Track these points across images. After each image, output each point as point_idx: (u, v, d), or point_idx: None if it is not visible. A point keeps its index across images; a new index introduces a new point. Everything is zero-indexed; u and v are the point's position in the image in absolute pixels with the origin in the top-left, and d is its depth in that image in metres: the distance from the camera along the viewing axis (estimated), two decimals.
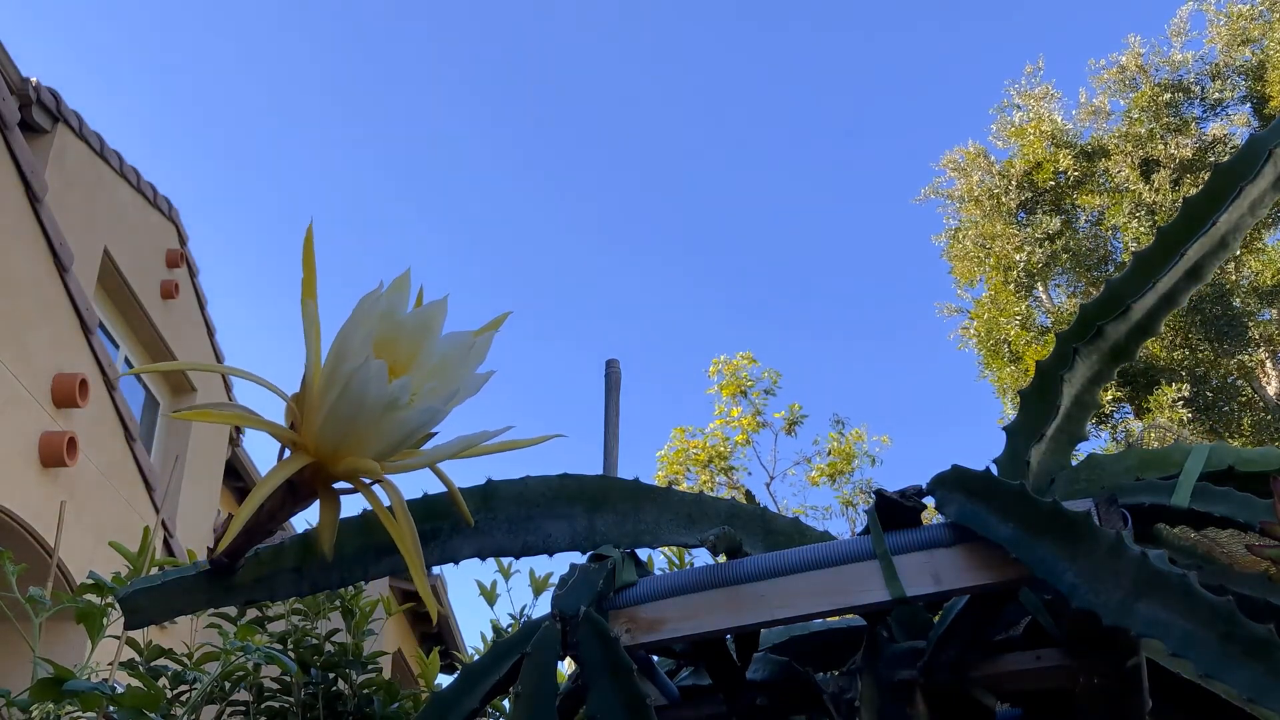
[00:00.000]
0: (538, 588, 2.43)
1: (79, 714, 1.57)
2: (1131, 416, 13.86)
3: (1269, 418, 13.34)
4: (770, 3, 28.50)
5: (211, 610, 1.79)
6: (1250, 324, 13.70)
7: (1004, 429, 1.53)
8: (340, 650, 1.97)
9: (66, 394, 5.66)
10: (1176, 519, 1.31)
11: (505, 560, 2.40)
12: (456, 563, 1.33)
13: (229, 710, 1.91)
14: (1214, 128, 14.69)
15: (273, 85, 32.76)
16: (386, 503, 1.19)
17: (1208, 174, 1.56)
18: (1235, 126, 14.56)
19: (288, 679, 1.92)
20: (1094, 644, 1.15)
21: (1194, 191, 1.54)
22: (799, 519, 1.52)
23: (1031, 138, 15.22)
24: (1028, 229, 14.86)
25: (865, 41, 27.54)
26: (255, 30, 31.18)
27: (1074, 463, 1.51)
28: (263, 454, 11.01)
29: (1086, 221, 15.25)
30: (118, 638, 1.72)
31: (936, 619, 1.35)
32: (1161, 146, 14.36)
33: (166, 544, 6.46)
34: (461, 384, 1.16)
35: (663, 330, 29.11)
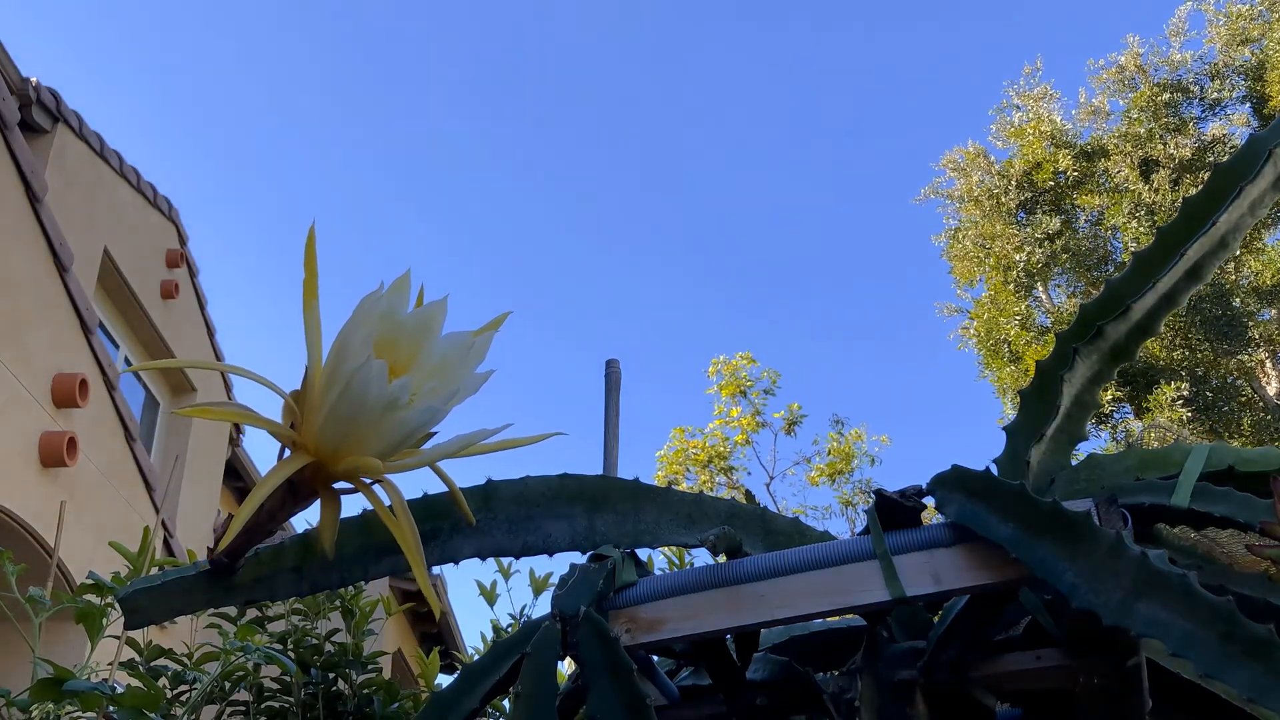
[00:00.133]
0: (538, 588, 2.43)
1: (79, 714, 1.57)
2: (1131, 416, 13.87)
3: (1269, 418, 13.34)
4: (770, 3, 28.50)
5: (211, 610, 1.79)
6: (1250, 324, 13.70)
7: (1004, 429, 1.53)
8: (340, 650, 1.97)
9: (66, 394, 5.66)
10: (1176, 519, 1.31)
11: (505, 560, 2.40)
12: (456, 563, 1.33)
13: (229, 710, 1.91)
14: (1213, 128, 14.69)
15: (273, 85, 32.77)
16: (387, 502, 1.19)
17: (1207, 174, 1.56)
18: (1235, 126, 14.57)
19: (288, 679, 1.92)
20: (1094, 644, 1.15)
21: (1194, 191, 1.54)
22: (799, 519, 1.52)
23: (1031, 138, 15.22)
24: (1028, 229, 14.86)
25: (865, 41, 27.55)
26: (255, 30, 31.19)
27: (1074, 463, 1.51)
28: (263, 454, 11.02)
29: (1086, 221, 15.26)
30: (118, 638, 1.72)
31: (936, 619, 1.35)
32: (1161, 146, 14.36)
33: (166, 544, 6.46)
34: (461, 384, 1.16)
35: (663, 330, 29.12)
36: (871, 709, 1.23)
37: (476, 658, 1.44)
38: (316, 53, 32.46)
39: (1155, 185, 14.08)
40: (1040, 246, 14.58)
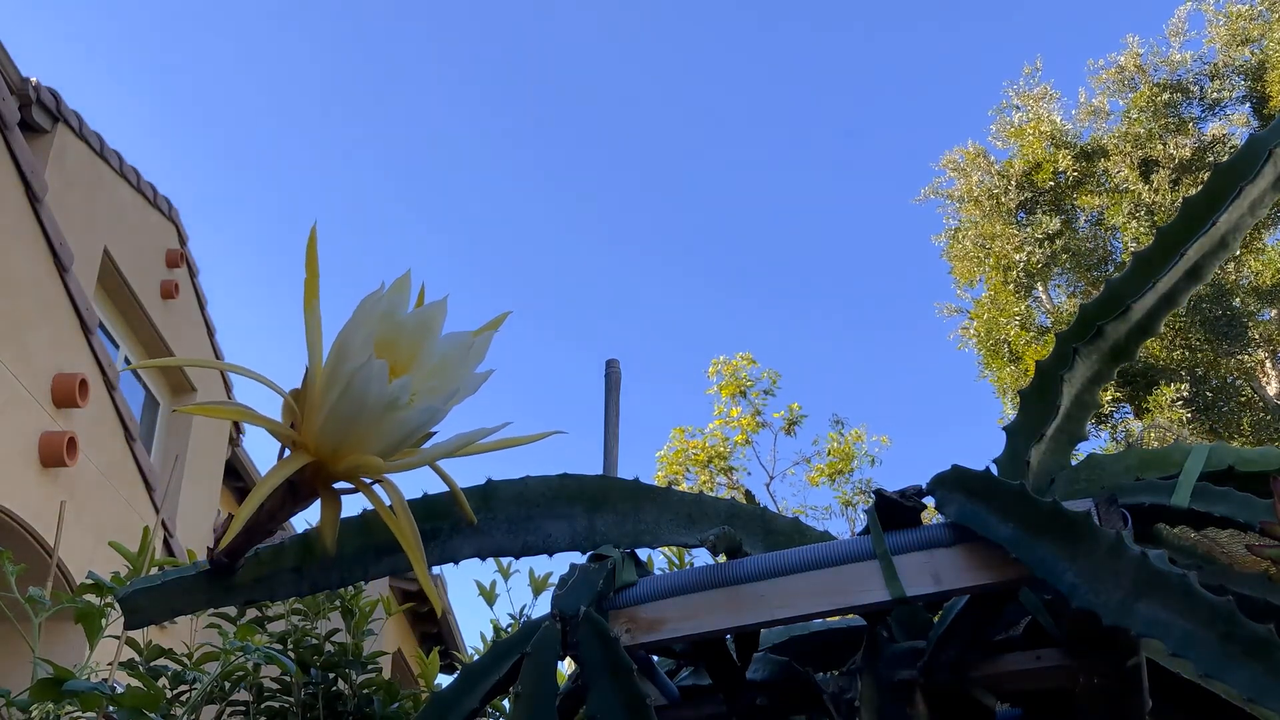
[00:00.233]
0: (537, 588, 2.43)
1: (79, 714, 1.57)
2: (1131, 416, 13.86)
3: (1269, 418, 13.33)
4: (770, 2, 28.51)
5: (211, 610, 1.79)
6: (1250, 324, 13.70)
7: (1004, 429, 1.53)
8: (340, 650, 1.97)
9: (66, 394, 5.66)
10: (1176, 519, 1.31)
11: (505, 560, 2.40)
12: (456, 563, 1.33)
13: (229, 710, 1.91)
14: (1213, 128, 14.69)
15: (272, 85, 32.77)
16: (387, 502, 1.20)
17: (1207, 174, 1.56)
18: (1234, 126, 14.56)
19: (288, 679, 1.92)
20: (1094, 644, 1.15)
21: (1194, 191, 1.54)
22: (799, 519, 1.52)
23: (1031, 138, 15.22)
24: (1027, 229, 14.86)
25: (865, 41, 27.56)
26: (255, 30, 31.19)
27: (1074, 463, 1.51)
28: (263, 454, 11.02)
29: (1086, 221, 15.26)
30: (117, 638, 1.72)
31: (936, 619, 1.35)
32: (1160, 146, 14.36)
33: (166, 544, 6.46)
34: (461, 383, 1.16)
35: (663, 330, 29.13)
36: (871, 709, 1.23)
37: (476, 658, 1.44)
38: (316, 52, 32.48)
39: (1155, 185, 14.08)
40: (1040, 246, 14.57)
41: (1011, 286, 14.70)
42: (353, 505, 1.28)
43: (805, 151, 28.22)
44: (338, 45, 32.31)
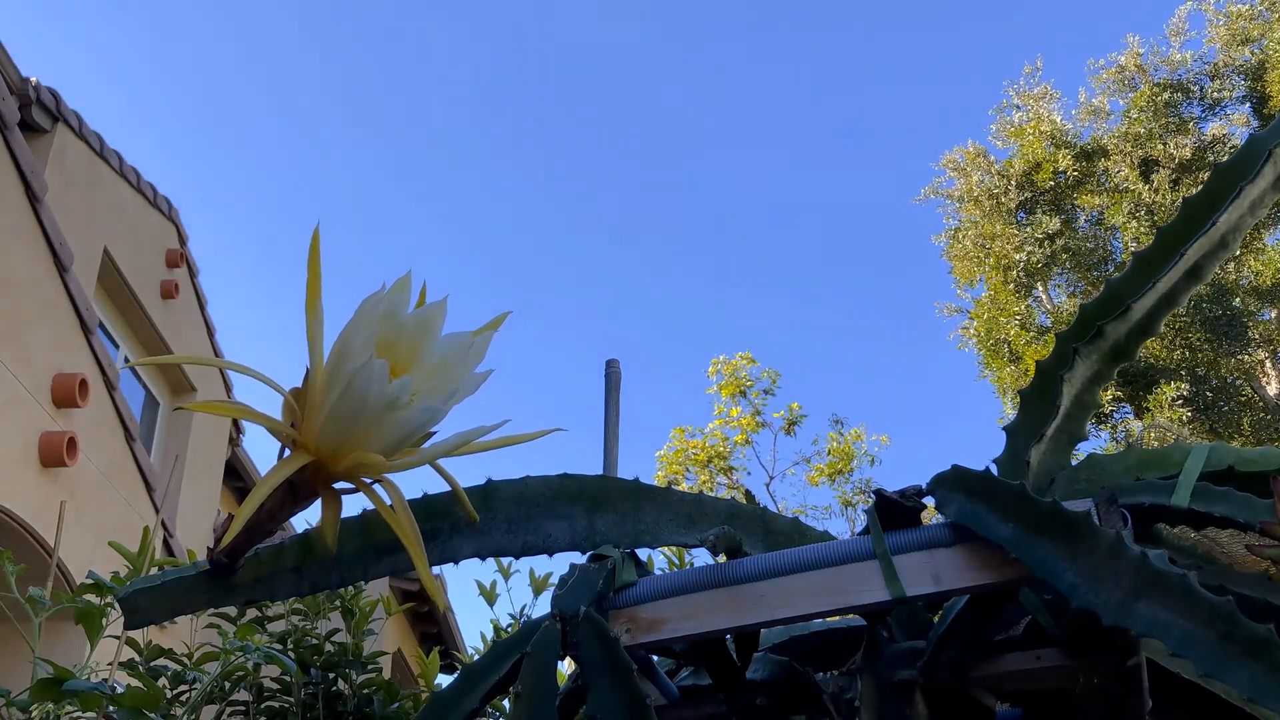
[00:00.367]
0: (538, 588, 2.43)
1: (79, 714, 1.57)
2: (1131, 416, 13.86)
3: (1269, 418, 13.33)
4: (770, 2, 28.51)
5: (211, 610, 1.79)
6: (1250, 324, 13.70)
7: (1004, 429, 1.53)
8: (340, 650, 1.97)
9: (66, 394, 5.66)
10: (1176, 519, 1.31)
11: (505, 560, 2.40)
12: (456, 563, 1.33)
13: (229, 710, 1.91)
14: (1213, 128, 14.69)
15: (273, 84, 32.78)
16: (387, 501, 1.20)
17: (1207, 174, 1.55)
18: (1234, 126, 14.57)
19: (288, 679, 1.92)
20: (1094, 644, 1.15)
21: (1194, 191, 1.54)
22: (799, 519, 1.52)
23: (1031, 138, 15.22)
24: (1027, 229, 14.86)
25: (865, 41, 27.56)
26: (255, 30, 31.19)
27: (1074, 463, 1.51)
28: (263, 454, 11.02)
29: (1086, 221, 15.26)
30: (117, 638, 1.72)
31: (936, 619, 1.35)
32: (1161, 146, 14.36)
33: (166, 544, 6.46)
34: (461, 383, 1.17)
35: (663, 330, 29.14)
36: (871, 709, 1.23)
37: (476, 658, 1.44)
38: (317, 51, 32.48)
39: (1155, 185, 14.08)
40: (1040, 246, 14.57)
41: (1011, 286, 14.70)
42: (352, 506, 1.29)
43: (805, 151, 28.23)
44: (338, 44, 32.32)
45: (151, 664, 1.88)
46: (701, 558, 2.25)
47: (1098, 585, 0.99)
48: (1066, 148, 15.06)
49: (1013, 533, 1.10)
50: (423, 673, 2.28)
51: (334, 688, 1.97)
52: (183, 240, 8.71)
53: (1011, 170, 15.23)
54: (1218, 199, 1.47)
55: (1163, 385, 12.99)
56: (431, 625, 9.80)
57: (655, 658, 1.49)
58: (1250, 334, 13.60)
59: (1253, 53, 14.72)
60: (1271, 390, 13.76)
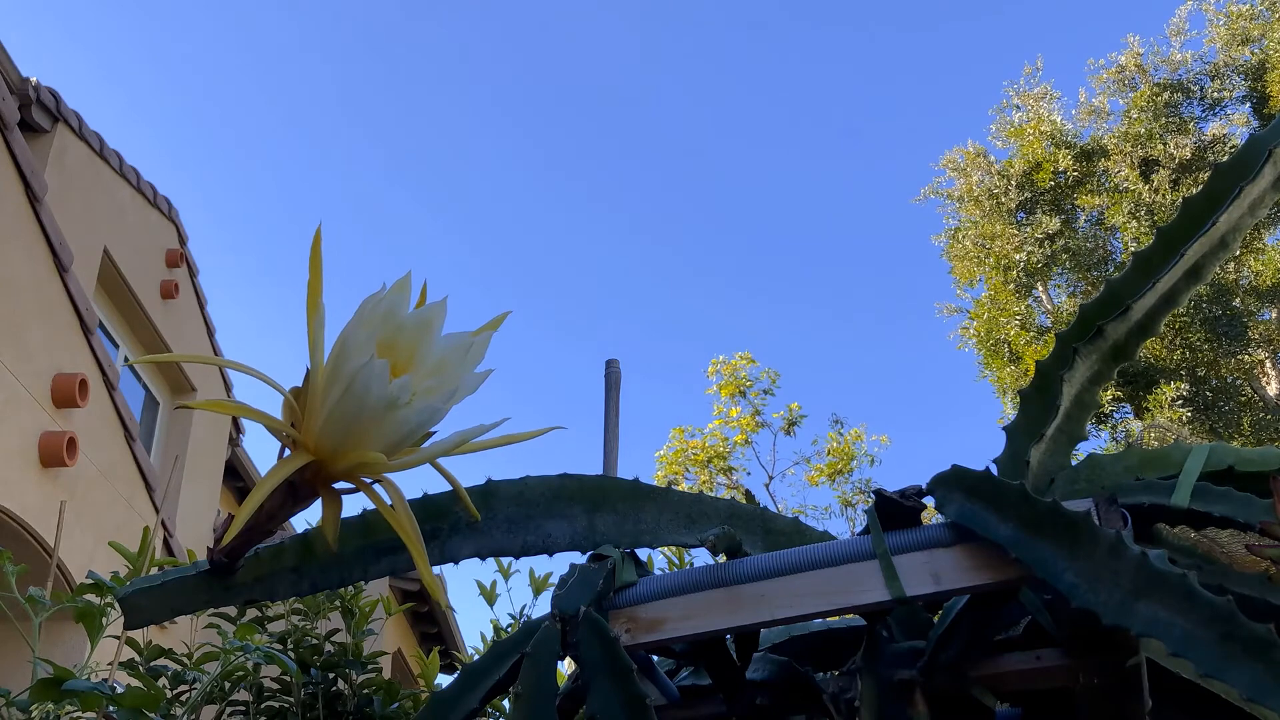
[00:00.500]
0: (538, 588, 2.43)
1: (79, 714, 1.57)
2: (1131, 416, 13.86)
3: (1269, 418, 13.33)
4: (769, 2, 28.51)
5: (211, 610, 1.79)
6: (1250, 324, 13.70)
7: (1004, 429, 1.53)
8: (340, 650, 1.97)
9: (66, 394, 5.66)
10: (1176, 519, 1.31)
11: (505, 560, 2.40)
12: (456, 563, 1.33)
13: (229, 710, 1.91)
14: (1213, 128, 14.69)
15: (273, 84, 32.77)
16: (387, 501, 1.20)
17: (1207, 174, 1.55)
18: (1235, 126, 14.56)
19: (288, 679, 1.92)
20: (1094, 644, 1.15)
21: (1194, 191, 1.54)
22: (799, 519, 1.52)
23: (1031, 138, 15.22)
24: (1027, 229, 14.85)
25: (866, 41, 27.57)
26: (255, 29, 31.19)
27: (1074, 463, 1.50)
28: (263, 454, 11.02)
29: (1086, 221, 15.25)
30: (117, 638, 1.72)
31: (936, 619, 1.35)
32: (1161, 146, 14.36)
33: (166, 544, 6.45)
34: (461, 383, 1.17)
35: (663, 329, 29.15)
36: (871, 709, 1.23)
37: (476, 658, 1.44)
38: (317, 49, 32.49)
39: (1155, 185, 14.07)
40: (1040, 246, 14.57)
41: (1011, 286, 14.69)
42: (353, 506, 1.29)
43: (805, 150, 28.24)
44: (337, 42, 32.33)
45: (151, 664, 1.88)
46: (701, 558, 2.26)
47: (1098, 585, 0.99)
48: (1066, 148, 15.05)
49: (1013, 533, 1.10)
50: (423, 673, 2.28)
51: (334, 688, 1.97)
52: (183, 240, 8.71)
53: (1011, 170, 15.22)
54: (1218, 199, 1.47)
55: (1163, 385, 12.99)
56: (431, 625, 9.80)
57: (655, 658, 1.49)
58: (1250, 334, 13.60)
59: (1253, 53, 14.72)
60: (1271, 390, 13.76)
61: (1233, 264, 13.56)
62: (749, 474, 16.40)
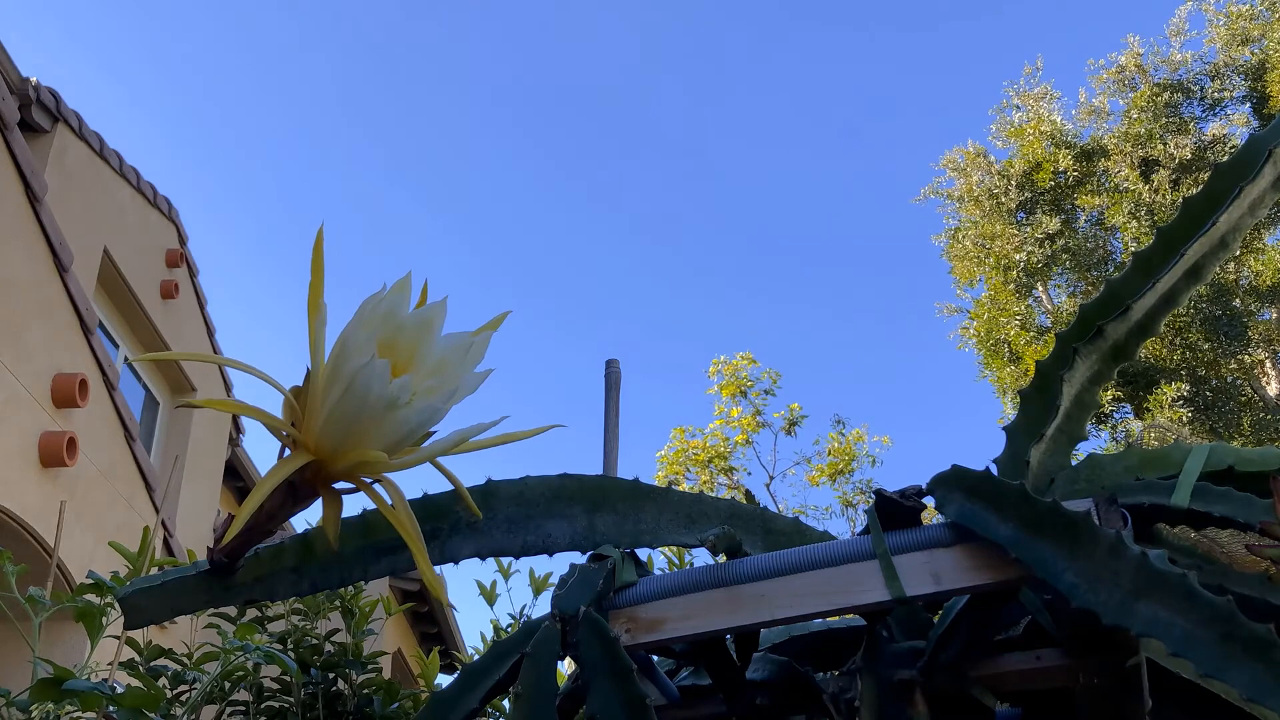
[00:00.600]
0: (538, 588, 2.43)
1: (79, 714, 1.57)
2: (1131, 416, 13.86)
3: (1269, 418, 13.33)
4: (771, 2, 28.52)
5: (211, 610, 1.79)
6: (1250, 324, 13.70)
7: (1004, 429, 1.53)
8: (340, 650, 1.97)
9: (66, 394, 5.66)
10: (1176, 519, 1.31)
11: (505, 560, 2.40)
12: (456, 562, 1.33)
13: (229, 710, 1.91)
14: (1213, 128, 14.69)
15: (274, 84, 32.77)
16: (388, 500, 1.20)
17: (1207, 174, 1.55)
18: (1235, 126, 14.56)
19: (288, 679, 1.92)
20: (1094, 644, 1.15)
21: (1194, 191, 1.54)
22: (799, 519, 1.51)
23: (1031, 138, 15.21)
24: (1027, 229, 14.85)
25: (866, 41, 27.57)
26: (255, 29, 31.19)
27: (1074, 463, 1.50)
28: (263, 454, 11.02)
29: (1086, 221, 15.25)
30: (117, 638, 1.72)
31: (936, 619, 1.35)
32: (1161, 146, 14.35)
33: (166, 544, 6.45)
34: (461, 383, 1.17)
35: (664, 329, 29.15)
36: (871, 709, 1.23)
37: (476, 658, 1.44)
38: (318, 50, 32.48)
39: (1155, 185, 14.07)
40: (1040, 246, 14.57)
41: (1011, 286, 14.69)
42: (353, 506, 1.29)
43: (806, 151, 28.25)
44: (337, 42, 32.33)
45: (151, 664, 1.88)
46: (701, 558, 2.26)
47: (1098, 585, 0.99)
48: (1066, 148, 15.05)
49: (1013, 533, 1.10)
50: (423, 673, 2.28)
51: (334, 688, 1.97)
52: (183, 240, 8.71)
53: (1011, 170, 15.22)
54: (1218, 199, 1.47)
55: (1163, 385, 12.99)
56: (431, 625, 9.80)
57: (655, 658, 1.49)
58: (1250, 334, 13.59)
59: (1253, 53, 14.72)
60: (1271, 390, 13.76)
61: (1233, 264, 13.55)
62: (749, 474, 16.42)
